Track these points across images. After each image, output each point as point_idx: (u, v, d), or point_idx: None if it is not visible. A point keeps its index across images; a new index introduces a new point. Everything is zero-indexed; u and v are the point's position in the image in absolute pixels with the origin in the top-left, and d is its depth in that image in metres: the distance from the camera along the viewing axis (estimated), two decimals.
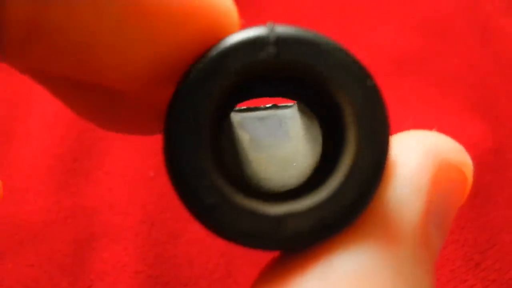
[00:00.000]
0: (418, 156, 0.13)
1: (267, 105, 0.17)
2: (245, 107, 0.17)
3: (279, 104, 0.17)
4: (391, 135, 0.12)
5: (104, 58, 0.12)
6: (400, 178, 0.13)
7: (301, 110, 0.17)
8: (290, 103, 0.17)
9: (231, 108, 0.16)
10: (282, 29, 0.12)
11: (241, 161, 0.16)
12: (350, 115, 0.12)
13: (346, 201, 0.12)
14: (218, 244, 0.32)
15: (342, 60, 0.12)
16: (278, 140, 0.16)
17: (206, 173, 0.12)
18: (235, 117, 0.17)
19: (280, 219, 0.12)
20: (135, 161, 0.35)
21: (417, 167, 0.13)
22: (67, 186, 0.34)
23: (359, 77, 0.12)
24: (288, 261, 0.12)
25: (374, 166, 0.12)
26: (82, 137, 0.37)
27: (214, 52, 0.12)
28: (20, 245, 0.32)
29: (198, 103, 0.12)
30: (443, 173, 0.13)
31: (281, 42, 0.12)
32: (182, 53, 0.13)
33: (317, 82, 0.13)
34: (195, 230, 0.32)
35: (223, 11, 0.13)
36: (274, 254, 0.13)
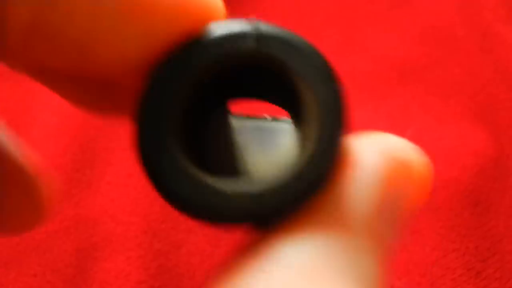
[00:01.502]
0: (373, 155, 0.14)
1: (267, 117, 0.17)
2: (245, 115, 0.17)
3: (279, 118, 0.17)
4: (351, 134, 0.13)
5: (101, 54, 0.13)
6: (356, 175, 0.13)
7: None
8: (289, 119, 0.17)
9: (215, 103, 0.16)
10: (264, 26, 0.13)
11: (232, 159, 0.16)
12: (311, 112, 0.13)
13: (283, 194, 0.12)
14: (219, 254, 0.32)
15: (313, 60, 0.13)
16: (270, 151, 0.16)
17: (173, 157, 0.13)
18: (234, 121, 0.17)
19: (228, 196, 0.13)
20: (137, 172, 0.35)
21: (372, 165, 0.13)
22: (70, 196, 0.35)
23: (326, 78, 0.13)
24: (240, 257, 0.12)
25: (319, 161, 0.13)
26: (85, 147, 0.37)
27: (190, 43, 0.13)
28: (23, 255, 0.32)
29: (168, 91, 0.13)
30: (395, 172, 0.14)
31: (262, 37, 0.13)
32: (173, 45, 0.13)
33: (290, 80, 0.13)
34: (197, 240, 0.32)
35: (212, 5, 0.13)
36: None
